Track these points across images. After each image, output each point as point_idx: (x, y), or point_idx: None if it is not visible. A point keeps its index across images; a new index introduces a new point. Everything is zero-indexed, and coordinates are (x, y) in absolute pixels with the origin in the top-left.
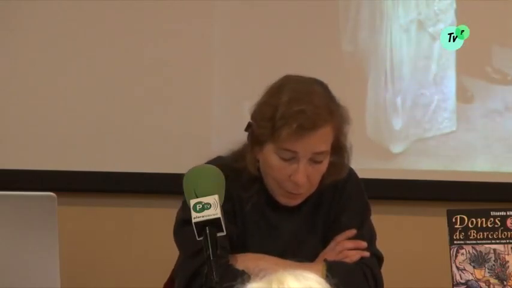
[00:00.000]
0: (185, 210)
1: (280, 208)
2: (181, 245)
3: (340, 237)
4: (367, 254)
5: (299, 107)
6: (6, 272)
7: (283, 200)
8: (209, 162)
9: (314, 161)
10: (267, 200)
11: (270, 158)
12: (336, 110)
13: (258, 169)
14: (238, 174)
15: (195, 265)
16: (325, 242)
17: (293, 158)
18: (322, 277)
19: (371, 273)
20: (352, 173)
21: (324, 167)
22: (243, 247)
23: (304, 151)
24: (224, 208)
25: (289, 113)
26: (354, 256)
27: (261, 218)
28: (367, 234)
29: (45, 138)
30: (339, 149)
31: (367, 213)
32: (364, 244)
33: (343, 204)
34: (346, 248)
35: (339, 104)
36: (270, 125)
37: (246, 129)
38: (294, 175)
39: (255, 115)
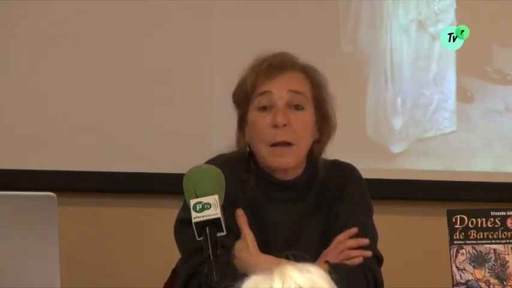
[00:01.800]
0: (185, 210)
1: (281, 202)
2: (181, 244)
3: (341, 236)
4: (368, 253)
5: (269, 55)
6: (6, 272)
7: (274, 161)
8: (210, 161)
9: (293, 105)
10: (265, 194)
11: (251, 116)
12: (310, 67)
13: (250, 153)
14: (237, 165)
15: (193, 264)
16: (326, 240)
17: (272, 106)
18: None
19: (372, 276)
20: (355, 172)
21: (306, 116)
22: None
23: (278, 89)
24: (228, 204)
25: (259, 60)
26: (355, 256)
27: (260, 213)
28: (369, 232)
29: (45, 138)
30: (321, 110)
31: (369, 212)
32: (366, 241)
33: (346, 203)
34: (348, 247)
35: (315, 68)
36: (243, 87)
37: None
38: (274, 118)
39: (233, 93)
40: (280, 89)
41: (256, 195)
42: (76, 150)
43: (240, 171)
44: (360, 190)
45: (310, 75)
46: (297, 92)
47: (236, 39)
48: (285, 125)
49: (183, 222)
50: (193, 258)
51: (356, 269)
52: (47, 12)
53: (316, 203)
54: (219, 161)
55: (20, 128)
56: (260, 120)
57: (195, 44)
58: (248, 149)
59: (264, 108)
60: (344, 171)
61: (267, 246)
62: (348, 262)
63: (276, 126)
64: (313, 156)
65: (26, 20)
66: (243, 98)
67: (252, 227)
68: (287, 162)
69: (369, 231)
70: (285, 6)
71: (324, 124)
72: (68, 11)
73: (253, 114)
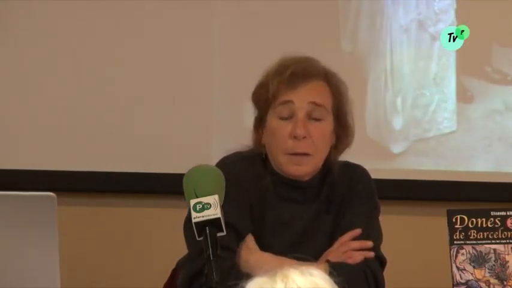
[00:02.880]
0: None
1: (294, 202)
2: (188, 242)
3: (345, 237)
4: (371, 254)
5: (292, 61)
6: (6, 272)
7: (292, 169)
8: (225, 158)
9: (313, 117)
10: (279, 193)
11: (271, 123)
12: (332, 74)
13: (266, 156)
14: (253, 164)
15: (198, 265)
16: (331, 240)
17: (292, 116)
18: None
19: (372, 276)
20: (365, 173)
21: (324, 127)
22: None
23: (299, 100)
24: (242, 203)
25: (281, 66)
26: (358, 257)
27: (273, 210)
28: (373, 235)
29: (45, 138)
30: (341, 120)
31: (375, 214)
32: (370, 244)
33: (353, 204)
34: (351, 248)
35: (337, 74)
36: (265, 89)
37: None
38: (294, 129)
39: (253, 93)
40: (301, 100)
41: (269, 194)
42: (76, 150)
43: (256, 168)
44: (368, 191)
45: (332, 84)
46: (318, 105)
47: (236, 39)
48: (304, 137)
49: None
50: (199, 259)
51: (356, 268)
52: (47, 12)
53: (326, 204)
54: (235, 157)
55: (20, 128)
56: (280, 130)
57: (195, 44)
58: (265, 151)
59: (284, 118)
60: (354, 172)
61: (275, 245)
62: (350, 261)
63: (295, 137)
64: (328, 160)
65: (26, 20)
66: (264, 102)
67: (261, 224)
68: (304, 171)
69: (373, 233)
70: (285, 6)
71: (342, 133)
72: (67, 11)
73: (273, 122)
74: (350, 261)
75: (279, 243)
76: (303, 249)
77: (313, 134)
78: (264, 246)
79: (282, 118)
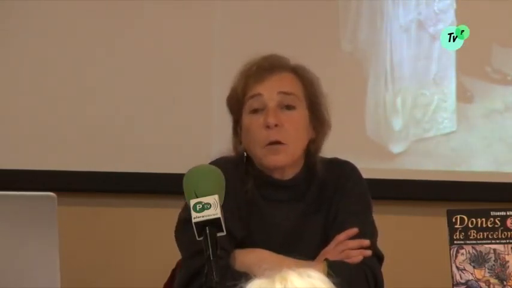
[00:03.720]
0: (186, 210)
1: (280, 202)
2: (182, 245)
3: (341, 236)
4: (369, 252)
5: (259, 58)
6: (6, 272)
7: (269, 159)
8: (213, 162)
9: (285, 105)
10: (264, 195)
11: (245, 120)
12: (301, 67)
13: (248, 157)
14: (237, 169)
15: (196, 265)
16: (325, 239)
17: (263, 108)
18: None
19: (372, 274)
20: (354, 170)
21: (297, 115)
22: (244, 243)
23: (268, 92)
24: (230, 207)
25: (249, 64)
26: (356, 256)
27: (259, 212)
28: (368, 232)
29: (45, 138)
30: (315, 110)
31: (369, 210)
32: (367, 242)
33: (345, 201)
34: (348, 247)
35: (306, 68)
36: (234, 91)
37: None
38: (265, 119)
39: (227, 99)
40: (270, 91)
41: (256, 197)
42: (76, 150)
43: (240, 171)
44: (360, 188)
45: (301, 75)
46: (287, 93)
47: (236, 39)
48: (276, 125)
49: (184, 223)
50: (197, 258)
51: (355, 267)
52: (48, 12)
53: (315, 202)
54: (220, 161)
55: (20, 128)
56: (253, 123)
57: (195, 44)
58: (246, 154)
59: (255, 111)
60: (343, 169)
61: (267, 247)
62: (348, 261)
63: (268, 127)
64: (310, 155)
65: (26, 20)
66: (236, 103)
67: (251, 228)
68: (281, 160)
69: (368, 230)
70: (285, 6)
71: (317, 123)
72: (68, 11)
73: (246, 118)
74: (349, 261)
75: (269, 244)
76: (292, 250)
77: (285, 122)
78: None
79: (253, 112)
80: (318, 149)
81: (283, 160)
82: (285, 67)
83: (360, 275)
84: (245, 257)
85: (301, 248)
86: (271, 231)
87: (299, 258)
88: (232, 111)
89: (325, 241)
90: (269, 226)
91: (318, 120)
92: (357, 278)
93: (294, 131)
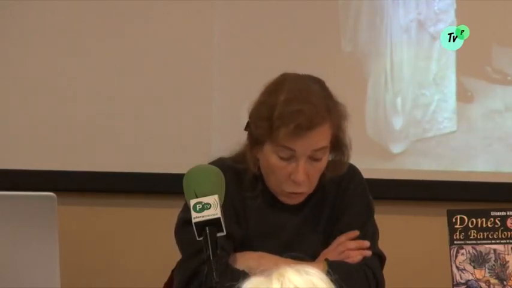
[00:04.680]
0: (186, 211)
1: (283, 207)
2: (181, 245)
3: (342, 238)
4: (369, 253)
5: (296, 106)
6: (6, 272)
7: (285, 199)
8: (211, 164)
9: (313, 158)
10: (269, 200)
11: (269, 157)
12: (334, 107)
13: (259, 168)
14: (240, 175)
15: (195, 264)
16: (327, 241)
17: (292, 157)
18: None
19: (372, 274)
20: (356, 172)
21: (323, 164)
22: (245, 246)
23: (303, 149)
24: (227, 210)
25: (286, 113)
26: (355, 257)
27: (263, 217)
28: (369, 234)
29: (45, 138)
30: (338, 145)
31: (370, 212)
32: (367, 243)
33: (346, 203)
34: (348, 248)
35: (336, 101)
36: (267, 124)
37: (246, 129)
38: (294, 174)
39: (252, 114)
40: (304, 149)
41: (259, 202)
42: (76, 150)
43: (240, 179)
44: (361, 190)
45: (334, 119)
46: (320, 149)
47: (236, 39)
48: (303, 180)
49: (183, 223)
50: (196, 258)
51: (355, 267)
52: (48, 12)
53: (317, 205)
54: (218, 163)
55: (20, 128)
56: (279, 169)
57: (195, 44)
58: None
59: (284, 158)
60: (346, 172)
61: (268, 249)
62: (348, 261)
63: (294, 181)
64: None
65: (26, 19)
66: (264, 135)
67: (252, 230)
68: (298, 201)
69: (369, 231)
70: (285, 6)
71: (338, 155)
72: (68, 11)
73: (272, 158)
74: (349, 260)
75: (273, 247)
76: (297, 251)
77: (311, 173)
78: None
79: (281, 158)
80: (334, 174)
81: (300, 201)
82: (322, 122)
83: (360, 274)
84: (244, 259)
85: (303, 249)
86: (273, 234)
87: (302, 258)
88: (255, 129)
89: (326, 244)
90: (271, 228)
91: (339, 151)
92: (357, 277)
93: (316, 177)
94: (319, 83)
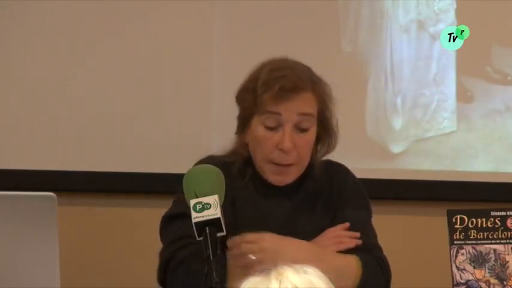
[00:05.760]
0: (174, 207)
1: (274, 193)
2: (163, 236)
3: (333, 228)
4: (360, 242)
5: (280, 73)
6: (6, 272)
7: (274, 178)
8: (200, 161)
9: (300, 128)
10: (259, 188)
11: (257, 130)
12: (318, 81)
13: (249, 158)
14: (228, 167)
15: (171, 250)
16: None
17: (279, 126)
18: (358, 269)
19: (384, 265)
20: (349, 172)
21: (310, 137)
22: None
23: (288, 113)
24: None
25: (270, 79)
26: (348, 243)
27: (254, 205)
28: (371, 234)
29: (45, 138)
30: (324, 124)
31: (369, 213)
32: (357, 234)
33: (346, 203)
34: (339, 235)
35: (321, 79)
36: (252, 96)
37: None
38: (281, 142)
39: (239, 95)
40: (290, 112)
41: (249, 191)
42: (76, 150)
43: (232, 175)
44: (358, 189)
45: (319, 91)
46: (306, 115)
47: (236, 39)
48: (291, 149)
49: (169, 218)
50: (172, 245)
51: (370, 258)
52: (48, 12)
53: (309, 198)
54: (207, 160)
55: (20, 128)
56: (266, 140)
57: (195, 44)
58: (247, 151)
59: (270, 127)
60: (337, 170)
61: None
62: (341, 246)
63: (281, 149)
64: (311, 162)
65: (26, 20)
66: (250, 107)
67: (245, 217)
68: (288, 181)
69: (371, 232)
70: (285, 6)
71: (325, 136)
72: (68, 11)
73: (258, 129)
74: (341, 246)
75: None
76: None
77: (299, 145)
78: None
79: (268, 128)
80: (321, 157)
81: (289, 180)
82: (306, 87)
83: (375, 265)
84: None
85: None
86: (263, 225)
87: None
88: (242, 109)
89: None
90: (261, 219)
91: (326, 133)
92: (373, 268)
93: (305, 152)
94: (304, 65)
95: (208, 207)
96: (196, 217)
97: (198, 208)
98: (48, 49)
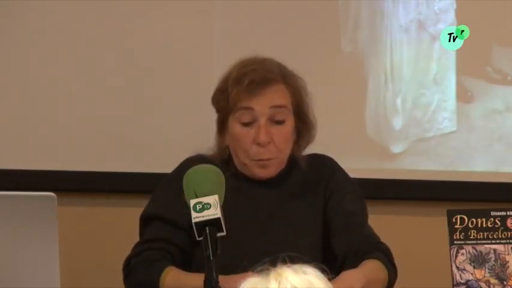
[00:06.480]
0: (154, 204)
1: (258, 185)
2: (140, 234)
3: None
4: None
5: (249, 68)
6: (6, 272)
7: (258, 172)
8: (188, 159)
9: (275, 121)
10: (242, 181)
11: (233, 129)
12: (289, 74)
13: (229, 158)
14: (211, 162)
15: (135, 250)
16: (311, 224)
17: (254, 121)
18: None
19: (392, 257)
20: (336, 163)
21: (287, 129)
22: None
23: (260, 106)
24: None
25: (240, 74)
26: None
27: (237, 199)
28: (367, 226)
29: (45, 138)
30: (301, 116)
31: (362, 198)
32: None
33: (339, 191)
34: None
35: (294, 73)
36: (225, 95)
37: None
38: (257, 137)
39: (213, 97)
40: (262, 106)
41: (237, 183)
42: (76, 150)
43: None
44: (348, 178)
45: (291, 83)
46: (279, 107)
47: (236, 39)
48: (268, 143)
49: (147, 220)
50: (138, 246)
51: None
52: (48, 12)
53: (297, 188)
54: (195, 157)
55: (20, 128)
56: (243, 136)
57: (195, 44)
58: (228, 152)
59: (245, 123)
60: (324, 161)
61: (248, 230)
62: None
63: (258, 144)
64: (292, 155)
65: (26, 19)
66: (224, 108)
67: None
68: (270, 173)
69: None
70: (285, 6)
71: (304, 129)
72: (68, 11)
73: (235, 127)
74: None
75: (251, 229)
76: (276, 232)
77: (276, 137)
78: (232, 236)
79: (243, 124)
80: (302, 150)
81: (271, 173)
82: (276, 79)
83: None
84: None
85: (283, 229)
86: (250, 216)
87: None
88: (219, 111)
89: (310, 225)
90: (248, 211)
91: (304, 125)
92: (391, 265)
93: (283, 144)
94: (277, 61)
95: (208, 207)
96: (196, 217)
97: (198, 208)
98: (48, 49)
